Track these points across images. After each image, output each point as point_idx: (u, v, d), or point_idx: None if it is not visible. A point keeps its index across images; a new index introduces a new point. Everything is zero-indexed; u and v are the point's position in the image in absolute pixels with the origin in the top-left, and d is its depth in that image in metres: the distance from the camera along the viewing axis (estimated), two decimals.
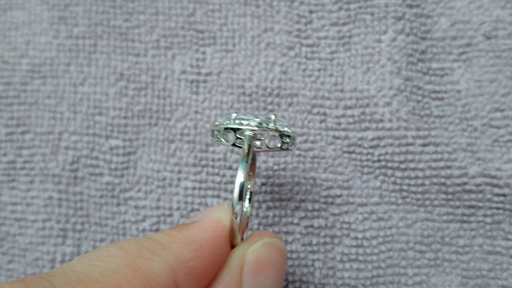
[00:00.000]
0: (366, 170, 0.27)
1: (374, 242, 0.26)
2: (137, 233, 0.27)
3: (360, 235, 0.26)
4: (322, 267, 0.26)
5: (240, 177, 0.19)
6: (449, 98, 0.28)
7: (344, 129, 0.27)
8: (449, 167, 0.26)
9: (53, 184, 0.28)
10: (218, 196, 0.27)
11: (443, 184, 0.26)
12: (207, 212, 0.21)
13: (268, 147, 0.21)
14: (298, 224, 0.27)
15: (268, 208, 0.27)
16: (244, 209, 0.21)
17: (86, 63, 0.29)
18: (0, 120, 0.29)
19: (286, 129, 0.21)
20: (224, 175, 0.27)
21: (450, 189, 0.26)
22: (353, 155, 0.27)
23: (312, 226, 0.27)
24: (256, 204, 0.27)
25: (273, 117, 0.21)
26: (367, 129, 0.27)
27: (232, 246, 0.20)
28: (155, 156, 0.28)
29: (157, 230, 0.27)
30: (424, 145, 0.27)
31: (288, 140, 0.21)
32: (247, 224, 0.21)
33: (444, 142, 0.27)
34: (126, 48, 0.29)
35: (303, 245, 0.27)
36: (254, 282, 0.19)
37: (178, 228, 0.19)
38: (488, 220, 0.26)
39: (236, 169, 0.27)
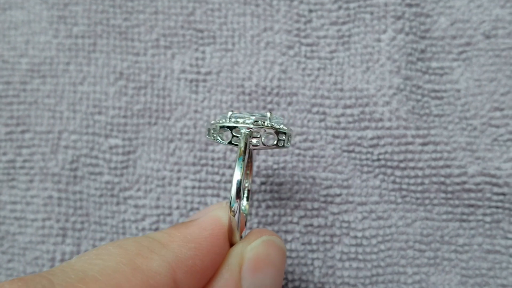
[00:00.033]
0: (365, 169, 0.27)
1: (374, 241, 0.26)
2: (136, 232, 0.27)
3: (359, 234, 0.26)
4: (321, 266, 0.26)
5: (237, 175, 0.19)
6: (448, 97, 0.28)
7: (343, 128, 0.27)
8: (448, 166, 0.26)
9: (52, 183, 0.28)
10: (218, 195, 0.27)
11: (443, 183, 0.26)
12: (206, 211, 0.21)
13: (264, 145, 0.21)
14: (297, 223, 0.27)
15: (268, 207, 0.27)
16: (242, 207, 0.21)
17: (86, 62, 0.29)
18: (0, 119, 0.29)
19: (282, 126, 0.21)
20: (223, 174, 0.27)
21: (449, 188, 0.26)
22: (353, 154, 0.27)
23: (311, 225, 0.27)
24: (255, 203, 0.27)
25: (268, 114, 0.21)
26: (366, 128, 0.27)
27: (231, 244, 0.20)
28: (154, 155, 0.28)
29: (156, 229, 0.27)
30: (424, 144, 0.27)
31: (284, 138, 0.21)
32: (246, 222, 0.21)
33: (444, 141, 0.27)
34: (125, 47, 0.29)
35: (303, 244, 0.27)
36: (253, 280, 0.19)
37: (177, 227, 0.19)
38: (488, 219, 0.26)
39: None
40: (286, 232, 0.27)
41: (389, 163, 0.27)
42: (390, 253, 0.26)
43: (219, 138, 0.21)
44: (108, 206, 0.28)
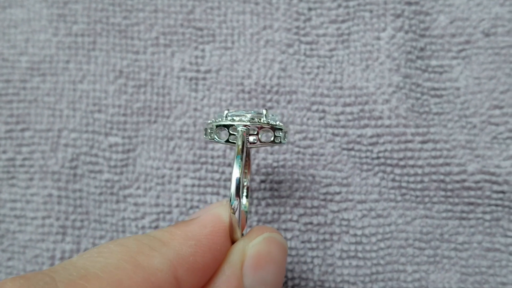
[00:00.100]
0: (365, 167, 0.27)
1: (373, 239, 0.26)
2: (136, 230, 0.27)
3: (359, 232, 0.26)
4: (321, 264, 0.26)
5: (236, 173, 0.19)
6: (448, 95, 0.28)
7: (343, 126, 0.27)
8: (448, 164, 0.26)
9: (52, 181, 0.28)
10: (218, 193, 0.27)
11: (442, 181, 0.26)
12: (206, 209, 0.21)
13: (261, 142, 0.21)
14: (297, 221, 0.27)
15: (268, 205, 0.27)
16: (242, 205, 0.21)
17: (85, 60, 0.29)
18: (0, 117, 0.29)
19: (278, 123, 0.21)
20: (223, 172, 0.27)
21: (449, 186, 0.26)
22: (352, 152, 0.27)
23: (311, 223, 0.27)
24: (255, 201, 0.27)
25: (264, 111, 0.21)
26: (366, 126, 0.27)
27: (233, 241, 0.20)
28: (154, 154, 0.28)
29: (156, 227, 0.27)
30: (423, 142, 0.27)
31: (281, 134, 0.21)
32: (246, 219, 0.21)
33: (443, 139, 0.27)
34: (125, 45, 0.29)
35: (302, 242, 0.27)
36: (254, 277, 0.19)
37: (177, 225, 0.19)
38: (487, 217, 0.26)
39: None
40: (286, 230, 0.27)
41: (388, 161, 0.27)
42: (389, 251, 0.26)
43: (216, 137, 0.21)
44: (108, 204, 0.28)
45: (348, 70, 0.28)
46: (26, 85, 0.29)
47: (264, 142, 0.21)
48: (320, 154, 0.27)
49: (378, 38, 0.28)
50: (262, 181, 0.27)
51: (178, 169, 0.28)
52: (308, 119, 0.28)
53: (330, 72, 0.28)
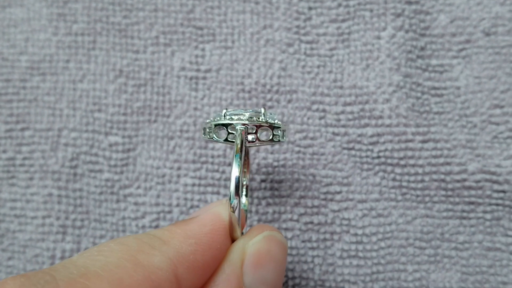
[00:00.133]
0: (365, 166, 0.27)
1: (374, 239, 0.26)
2: (136, 229, 0.27)
3: (359, 232, 0.26)
4: (321, 263, 0.26)
5: (235, 171, 0.19)
6: (448, 94, 0.28)
7: (343, 126, 0.27)
8: (448, 164, 0.26)
9: (52, 181, 0.28)
10: (218, 193, 0.27)
11: (443, 180, 0.26)
12: (206, 208, 0.21)
13: (260, 140, 0.21)
14: (297, 221, 0.27)
15: (268, 204, 0.27)
16: (242, 204, 0.21)
17: (85, 60, 0.29)
18: (0, 116, 0.29)
19: (276, 121, 0.21)
20: (223, 172, 0.27)
21: (449, 186, 0.26)
22: (353, 152, 0.27)
23: (311, 222, 0.27)
24: (255, 201, 0.27)
25: (262, 110, 0.21)
26: (366, 125, 0.27)
27: (233, 240, 0.20)
28: (154, 153, 0.28)
29: (156, 226, 0.27)
30: (424, 141, 0.26)
31: (279, 132, 0.21)
32: (246, 218, 0.21)
33: (444, 138, 0.27)
34: (125, 45, 0.29)
35: (303, 241, 0.27)
36: (254, 275, 0.19)
37: (177, 224, 0.19)
38: (488, 216, 0.26)
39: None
40: (286, 229, 0.27)
41: (389, 161, 0.27)
42: (390, 251, 0.26)
43: (215, 136, 0.21)
44: (108, 204, 0.28)
45: (349, 69, 0.28)
46: (26, 85, 0.29)
47: (263, 141, 0.21)
48: (321, 154, 0.27)
49: (379, 38, 0.28)
50: (263, 181, 0.27)
51: (179, 168, 0.28)
52: (308, 118, 0.28)
53: (330, 72, 0.28)
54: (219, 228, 0.19)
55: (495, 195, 0.26)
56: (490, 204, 0.26)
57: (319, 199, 0.27)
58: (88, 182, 0.28)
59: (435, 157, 0.26)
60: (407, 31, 0.28)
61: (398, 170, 0.27)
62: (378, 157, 0.27)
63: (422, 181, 0.26)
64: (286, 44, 0.28)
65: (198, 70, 0.28)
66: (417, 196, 0.27)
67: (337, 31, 0.29)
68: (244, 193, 0.23)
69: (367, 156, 0.27)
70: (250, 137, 0.21)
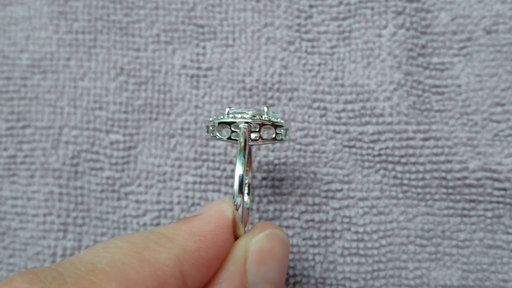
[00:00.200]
0: (366, 164, 0.27)
1: (375, 236, 0.26)
2: (138, 227, 0.27)
3: (360, 229, 0.26)
4: (322, 261, 0.26)
5: (239, 169, 0.19)
6: (449, 92, 0.28)
7: (344, 124, 0.27)
8: (449, 162, 0.26)
9: (53, 179, 0.28)
10: (219, 191, 0.27)
11: (444, 178, 0.26)
12: (210, 205, 0.21)
13: (263, 139, 0.21)
14: (298, 218, 0.27)
15: (269, 202, 0.27)
16: (244, 202, 0.21)
17: (86, 58, 0.29)
18: (1, 114, 0.29)
19: (279, 120, 0.22)
20: (224, 170, 0.27)
21: (450, 183, 0.26)
22: (354, 150, 0.27)
23: (312, 220, 0.27)
24: (256, 199, 0.27)
25: (265, 109, 0.21)
26: (367, 123, 0.27)
27: (236, 237, 0.20)
28: (155, 151, 0.28)
29: (157, 224, 0.27)
30: (425, 139, 0.27)
31: (282, 131, 0.22)
32: (248, 216, 0.21)
33: (445, 136, 0.27)
34: (126, 42, 0.29)
35: (304, 239, 0.27)
36: (257, 273, 0.19)
37: (182, 221, 0.19)
38: (489, 214, 0.26)
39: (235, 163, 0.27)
40: (287, 227, 0.27)
41: (390, 159, 0.27)
42: (391, 248, 0.26)
43: (218, 134, 0.21)
44: (109, 202, 0.28)
45: (349, 67, 0.28)
46: (27, 83, 0.29)
47: (266, 139, 0.22)
48: (322, 152, 0.27)
49: (380, 36, 0.28)
50: (264, 179, 0.27)
51: (180, 166, 0.28)
52: (309, 116, 0.28)
53: (331, 70, 0.28)
54: (223, 225, 0.19)
55: (496, 193, 0.26)
56: (491, 202, 0.26)
57: (320, 197, 0.27)
58: (89, 180, 0.28)
59: (436, 155, 0.26)
60: (408, 29, 0.28)
61: (399, 168, 0.27)
62: (379, 155, 0.27)
63: (423, 179, 0.27)
64: (287, 42, 0.28)
65: (199, 68, 0.28)
66: (418, 194, 0.27)
67: (338, 29, 0.29)
68: (246, 191, 0.23)
69: (368, 154, 0.27)
70: (253, 136, 0.21)
